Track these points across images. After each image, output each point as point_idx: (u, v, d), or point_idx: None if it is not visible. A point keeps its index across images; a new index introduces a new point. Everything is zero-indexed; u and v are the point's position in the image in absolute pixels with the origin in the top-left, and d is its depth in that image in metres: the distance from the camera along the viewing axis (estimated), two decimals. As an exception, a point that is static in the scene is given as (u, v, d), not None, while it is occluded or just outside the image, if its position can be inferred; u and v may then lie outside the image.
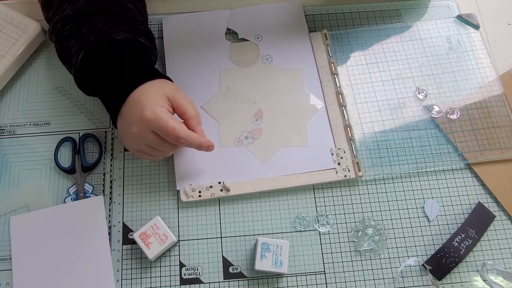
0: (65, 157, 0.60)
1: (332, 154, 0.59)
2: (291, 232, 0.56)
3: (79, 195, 0.58)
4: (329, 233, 0.56)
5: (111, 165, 0.60)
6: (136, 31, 0.55)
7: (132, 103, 0.52)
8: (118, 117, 0.54)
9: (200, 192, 0.57)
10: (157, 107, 0.50)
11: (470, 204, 0.57)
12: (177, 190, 0.58)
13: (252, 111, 0.62)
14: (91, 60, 0.53)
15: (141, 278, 0.54)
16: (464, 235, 0.55)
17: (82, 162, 0.59)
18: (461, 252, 0.54)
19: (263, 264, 0.52)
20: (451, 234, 0.55)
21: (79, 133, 0.61)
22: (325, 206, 0.58)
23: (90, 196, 0.58)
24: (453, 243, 0.54)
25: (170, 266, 0.55)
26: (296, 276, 0.54)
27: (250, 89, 0.63)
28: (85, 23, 0.53)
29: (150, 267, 0.55)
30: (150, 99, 0.51)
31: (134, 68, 0.54)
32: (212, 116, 0.62)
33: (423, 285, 0.54)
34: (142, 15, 0.60)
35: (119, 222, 0.57)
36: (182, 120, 0.54)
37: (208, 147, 0.54)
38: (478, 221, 0.56)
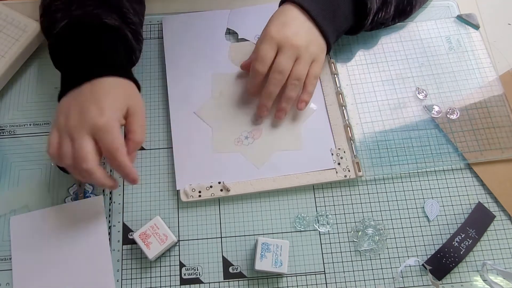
0: (65, 157, 0.60)
1: (332, 154, 0.59)
2: (291, 232, 0.56)
3: (79, 195, 0.58)
4: (329, 233, 0.56)
5: (111, 165, 0.60)
6: (125, 27, 0.54)
7: (89, 90, 0.48)
8: (69, 93, 0.49)
9: (200, 192, 0.57)
10: (114, 119, 0.47)
11: (470, 204, 0.57)
12: (177, 190, 0.58)
13: (252, 112, 0.61)
14: (71, 32, 0.51)
15: (141, 278, 0.54)
16: (464, 235, 0.55)
17: None
18: (461, 252, 0.54)
19: (263, 264, 0.52)
20: (451, 234, 0.55)
21: (79, 133, 0.61)
22: (325, 206, 0.58)
23: (90, 196, 0.58)
24: (453, 243, 0.54)
25: (170, 266, 0.55)
26: (296, 276, 0.54)
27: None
28: (76, 2, 0.52)
29: (150, 267, 0.55)
30: (109, 102, 0.48)
31: (109, 56, 0.51)
32: (205, 121, 0.61)
33: (423, 285, 0.54)
34: (138, 17, 0.60)
35: (119, 222, 0.57)
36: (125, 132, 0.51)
37: (133, 181, 0.50)
38: (478, 221, 0.56)
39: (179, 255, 0.55)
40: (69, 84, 0.50)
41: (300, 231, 0.56)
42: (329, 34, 0.57)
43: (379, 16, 0.61)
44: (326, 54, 0.59)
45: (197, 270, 0.55)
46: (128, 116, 0.50)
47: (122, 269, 0.55)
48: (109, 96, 0.48)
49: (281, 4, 0.60)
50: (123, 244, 0.56)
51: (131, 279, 0.54)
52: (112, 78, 0.50)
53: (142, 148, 0.60)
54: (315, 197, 0.58)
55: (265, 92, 0.57)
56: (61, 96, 0.51)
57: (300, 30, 0.56)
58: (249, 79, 0.58)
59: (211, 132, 0.60)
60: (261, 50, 0.55)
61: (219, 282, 0.54)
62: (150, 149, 0.60)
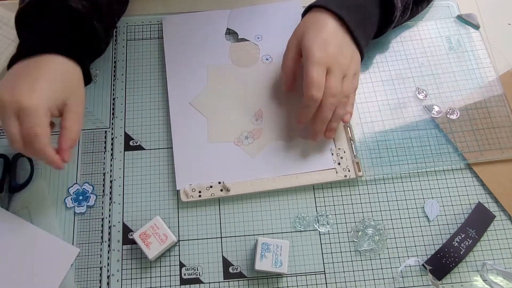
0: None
1: (332, 154, 0.59)
2: (291, 232, 0.56)
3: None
4: (329, 233, 0.56)
5: (111, 165, 0.60)
6: (94, 15, 0.53)
7: (34, 64, 0.46)
8: (19, 61, 0.48)
9: (200, 192, 0.57)
10: (42, 104, 0.45)
11: (470, 204, 0.57)
12: (177, 190, 0.58)
13: (252, 111, 0.62)
14: (35, 8, 0.50)
15: (141, 278, 0.54)
16: (464, 235, 0.55)
17: (11, 182, 0.57)
18: (461, 252, 0.54)
19: (263, 264, 0.52)
20: (451, 234, 0.55)
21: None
22: (325, 206, 0.58)
23: (90, 197, 0.58)
24: (453, 243, 0.54)
25: (170, 266, 0.55)
26: (296, 276, 0.54)
27: (250, 89, 0.63)
28: None
29: (150, 267, 0.55)
30: (44, 86, 0.45)
31: (63, 36, 0.50)
32: (199, 112, 0.61)
33: (423, 285, 0.54)
34: (111, 15, 0.59)
35: (119, 222, 0.57)
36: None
37: (59, 167, 0.48)
38: (478, 221, 0.56)
39: (179, 255, 0.55)
40: (19, 54, 0.48)
41: (300, 231, 0.56)
42: (364, 46, 0.57)
43: (397, 21, 0.61)
44: None
45: (197, 270, 0.55)
46: (64, 111, 0.48)
47: (122, 269, 0.55)
48: (47, 79, 0.46)
49: (310, 8, 0.57)
50: (123, 244, 0.56)
51: (131, 279, 0.54)
52: (61, 59, 0.48)
53: (142, 148, 0.61)
54: (315, 197, 0.58)
55: (320, 117, 0.55)
56: (11, 63, 0.49)
57: (343, 47, 0.55)
58: (303, 107, 0.54)
59: (207, 122, 0.61)
60: (315, 76, 0.52)
61: (219, 282, 0.54)
62: (150, 149, 0.60)
